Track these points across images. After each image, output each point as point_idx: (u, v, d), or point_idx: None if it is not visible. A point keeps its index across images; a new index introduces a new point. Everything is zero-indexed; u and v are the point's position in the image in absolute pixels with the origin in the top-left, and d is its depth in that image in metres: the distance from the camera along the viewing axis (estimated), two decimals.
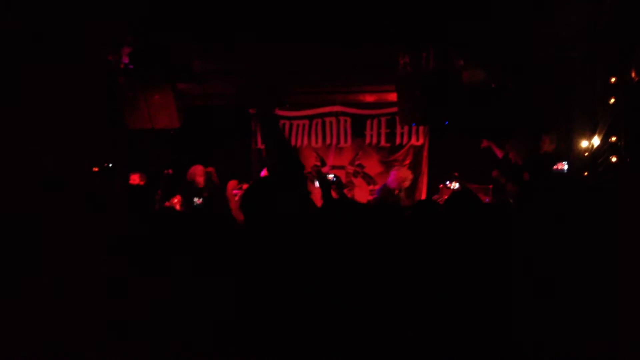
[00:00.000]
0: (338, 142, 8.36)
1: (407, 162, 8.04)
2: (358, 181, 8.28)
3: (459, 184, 6.24)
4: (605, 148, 5.06)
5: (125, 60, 5.87)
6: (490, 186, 6.43)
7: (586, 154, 5.50)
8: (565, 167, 5.55)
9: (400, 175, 6.50)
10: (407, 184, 6.56)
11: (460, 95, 5.84)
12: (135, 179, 6.84)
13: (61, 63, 5.52)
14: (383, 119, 8.13)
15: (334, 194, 6.51)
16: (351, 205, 2.23)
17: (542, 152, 5.59)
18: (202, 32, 5.59)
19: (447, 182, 6.40)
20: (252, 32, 5.55)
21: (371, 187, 8.19)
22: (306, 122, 8.45)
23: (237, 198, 6.05)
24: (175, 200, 6.50)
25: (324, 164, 8.35)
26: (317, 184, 3.94)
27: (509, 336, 1.79)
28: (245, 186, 6.20)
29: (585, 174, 5.46)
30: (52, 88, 5.73)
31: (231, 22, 5.43)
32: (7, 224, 2.28)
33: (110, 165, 6.75)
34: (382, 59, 6.14)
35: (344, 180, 8.27)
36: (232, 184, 6.35)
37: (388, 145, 8.17)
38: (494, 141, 6.19)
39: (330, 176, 5.37)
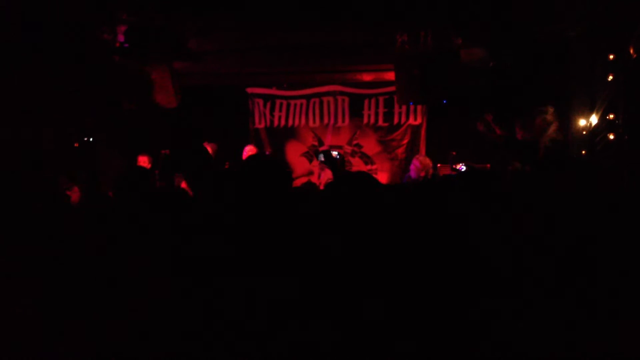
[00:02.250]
0: (336, 121, 8.34)
1: (405, 141, 8.04)
2: (356, 161, 8.28)
3: (465, 165, 6.20)
4: (604, 126, 5.06)
5: (121, 38, 5.82)
6: (488, 165, 6.44)
7: (584, 132, 5.50)
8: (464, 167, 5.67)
9: (417, 165, 6.34)
10: (425, 172, 6.33)
11: (458, 74, 5.82)
12: (144, 161, 6.80)
13: (57, 44, 5.47)
14: (381, 99, 8.10)
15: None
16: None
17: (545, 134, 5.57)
18: (198, 9, 5.53)
19: (454, 165, 6.35)
20: (249, 10, 5.50)
21: (369, 167, 8.19)
22: (303, 101, 8.42)
23: None
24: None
25: (321, 143, 8.35)
26: (320, 157, 3.91)
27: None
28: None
29: (584, 152, 5.46)
30: (48, 69, 5.70)
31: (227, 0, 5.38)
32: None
33: (91, 139, 6.68)
34: (380, 37, 6.11)
35: None
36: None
37: (386, 124, 8.15)
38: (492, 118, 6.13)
39: (334, 153, 5.34)
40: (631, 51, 4.57)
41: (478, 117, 6.28)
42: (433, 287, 1.84)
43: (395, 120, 8.10)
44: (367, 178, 2.20)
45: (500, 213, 2.11)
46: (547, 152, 5.13)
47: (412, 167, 6.41)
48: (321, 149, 8.25)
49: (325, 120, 8.37)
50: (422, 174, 6.24)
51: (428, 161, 6.35)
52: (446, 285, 1.84)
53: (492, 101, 6.12)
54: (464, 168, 6.24)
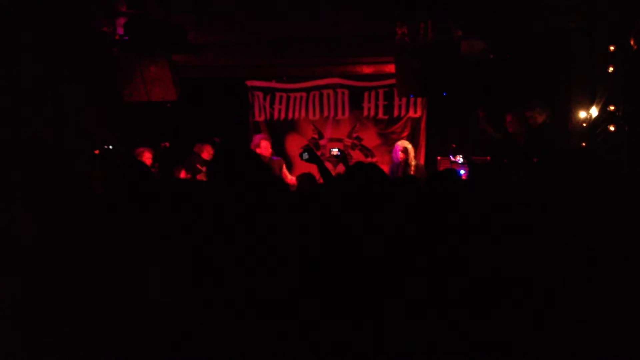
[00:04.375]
0: (336, 114, 8.32)
1: (405, 134, 8.02)
2: (356, 154, 8.26)
3: (463, 157, 6.20)
4: (604, 117, 5.05)
5: (120, 31, 5.79)
6: (488, 158, 6.43)
7: (584, 124, 5.49)
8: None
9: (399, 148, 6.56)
10: (406, 155, 6.54)
11: (458, 66, 5.80)
12: (147, 155, 6.75)
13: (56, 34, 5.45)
14: (381, 91, 8.09)
15: (341, 167, 6.52)
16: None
17: (535, 125, 5.57)
18: (198, 2, 5.52)
19: (451, 156, 6.35)
20: (249, 2, 5.49)
21: (369, 159, 8.17)
22: (303, 94, 8.40)
23: None
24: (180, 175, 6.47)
25: (321, 136, 8.34)
26: (304, 156, 3.88)
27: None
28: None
29: (584, 144, 5.46)
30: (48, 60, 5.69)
31: None
32: None
33: (111, 147, 6.60)
34: (380, 29, 6.09)
35: None
36: None
37: (386, 117, 8.13)
38: (487, 119, 6.15)
39: (335, 150, 5.30)
40: (632, 42, 4.55)
41: (477, 110, 6.30)
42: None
43: (395, 113, 8.08)
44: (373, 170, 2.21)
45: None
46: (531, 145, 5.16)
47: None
48: (321, 142, 8.24)
49: (325, 113, 8.35)
50: (403, 156, 6.42)
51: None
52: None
53: (491, 94, 6.11)
54: (461, 160, 6.23)
